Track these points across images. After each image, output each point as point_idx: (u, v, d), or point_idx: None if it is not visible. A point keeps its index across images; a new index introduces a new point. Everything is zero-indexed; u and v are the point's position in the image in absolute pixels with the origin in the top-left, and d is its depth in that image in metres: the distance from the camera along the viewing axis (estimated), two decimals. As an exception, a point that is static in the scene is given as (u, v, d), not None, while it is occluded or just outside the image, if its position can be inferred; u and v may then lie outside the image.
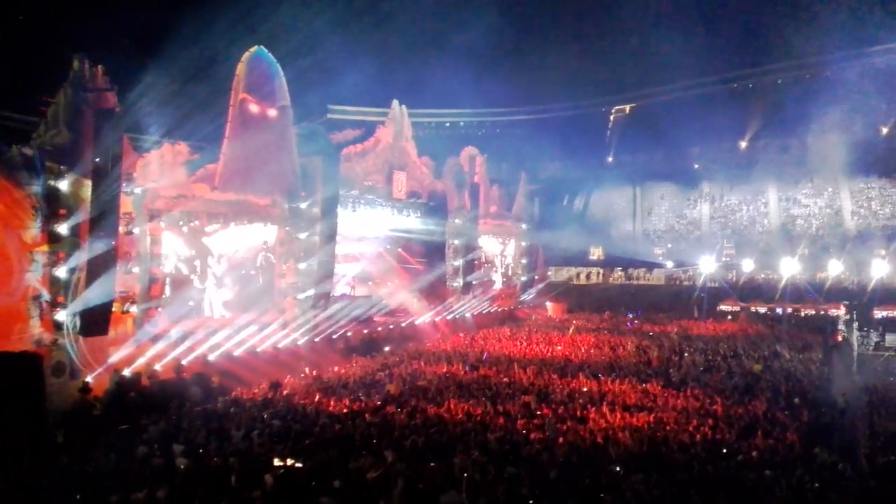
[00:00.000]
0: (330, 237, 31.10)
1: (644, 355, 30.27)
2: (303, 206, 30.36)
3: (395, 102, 39.44)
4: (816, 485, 13.33)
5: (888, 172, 65.26)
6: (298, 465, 13.53)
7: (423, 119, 66.46)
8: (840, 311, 43.45)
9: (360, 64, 59.94)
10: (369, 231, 38.64)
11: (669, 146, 73.29)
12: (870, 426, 18.54)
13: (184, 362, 24.31)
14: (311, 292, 30.70)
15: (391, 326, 37.34)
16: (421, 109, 60.63)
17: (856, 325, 31.21)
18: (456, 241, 44.20)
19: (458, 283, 44.36)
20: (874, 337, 30.40)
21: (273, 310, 29.43)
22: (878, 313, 44.26)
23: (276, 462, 13.49)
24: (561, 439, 16.31)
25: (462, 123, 78.85)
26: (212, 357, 25.55)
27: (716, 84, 71.77)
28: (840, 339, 36.23)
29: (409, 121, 40.44)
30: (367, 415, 18.64)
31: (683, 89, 71.85)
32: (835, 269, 53.36)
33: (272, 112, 28.85)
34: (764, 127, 71.19)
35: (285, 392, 22.76)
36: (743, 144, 72.56)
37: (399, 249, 42.36)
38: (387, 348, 33.58)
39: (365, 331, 35.51)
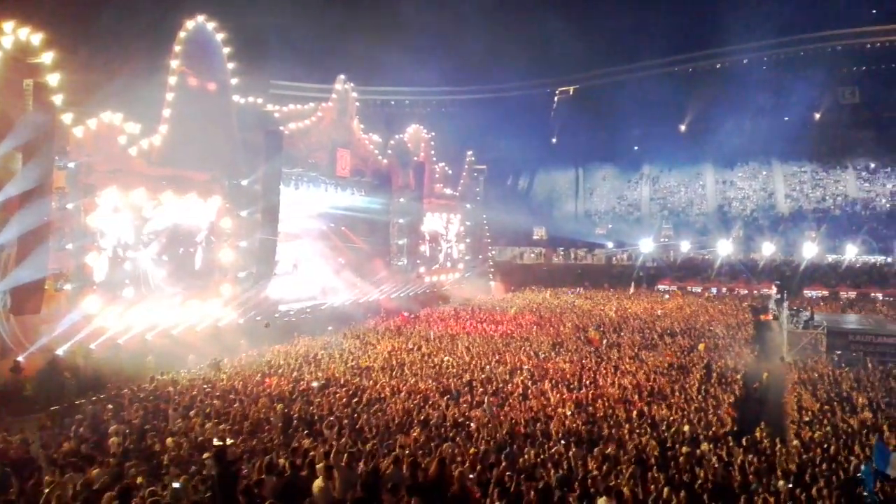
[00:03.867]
0: (272, 215, 30.66)
1: (584, 334, 30.79)
2: (244, 182, 29.83)
3: (340, 78, 38.94)
4: (750, 457, 13.82)
5: (819, 157, 67.62)
6: (238, 445, 13.36)
7: (369, 96, 65.85)
8: (772, 291, 44.97)
9: (304, 39, 58.94)
10: (312, 209, 38.22)
11: (611, 129, 74.42)
12: (798, 402, 19.27)
13: (120, 341, 23.74)
14: (252, 270, 30.28)
15: (334, 305, 37.11)
16: (366, 87, 60.09)
17: (786, 303, 32.33)
18: (400, 220, 44.08)
19: (403, 261, 44.32)
20: (804, 315, 31.52)
21: (213, 288, 28.91)
22: (808, 293, 46.01)
23: (216, 442, 13.29)
24: (502, 416, 16.55)
25: (408, 101, 78.47)
26: (150, 336, 25.00)
27: (657, 68, 72.95)
28: (771, 317, 37.57)
29: (353, 97, 40.02)
30: (309, 394, 18.55)
31: (625, 73, 72.95)
32: (768, 249, 55.13)
33: (212, 86, 28.21)
34: (702, 111, 72.82)
35: (225, 371, 22.45)
36: (682, 128, 74.10)
37: (343, 228, 42.03)
38: (330, 327, 33.39)
39: (308, 309, 35.23)
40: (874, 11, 68.17)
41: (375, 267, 41.94)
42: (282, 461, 11.60)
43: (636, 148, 75.29)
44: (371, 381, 20.39)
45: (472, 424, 15.68)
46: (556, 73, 76.92)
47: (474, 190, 57.04)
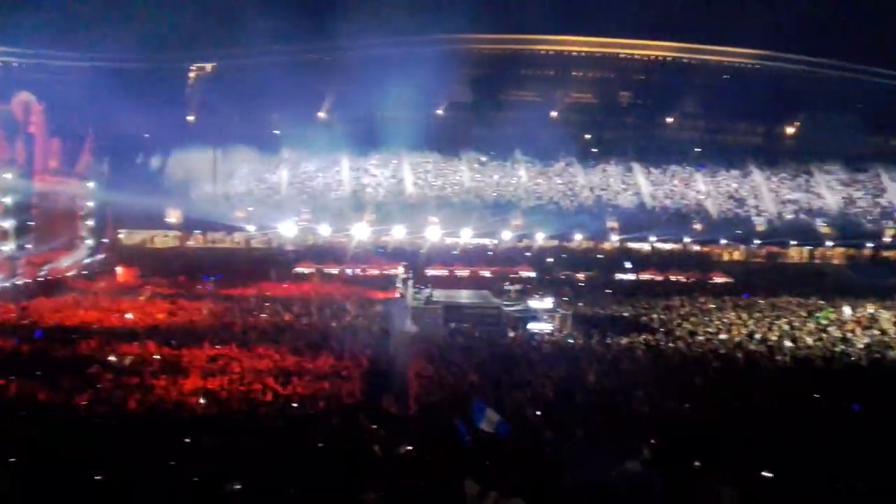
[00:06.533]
0: None
1: (221, 318, 30.18)
2: None
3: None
4: (374, 426, 14.82)
5: (441, 149, 74.97)
6: None
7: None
8: (399, 271, 48.65)
9: None
10: None
11: (251, 111, 73.48)
12: (418, 371, 21.14)
13: None
14: None
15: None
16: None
17: (411, 282, 35.31)
18: (6, 199, 38.55)
19: (10, 246, 38.88)
20: (426, 292, 34.70)
21: None
22: (430, 272, 50.76)
23: None
24: (132, 408, 15.59)
25: (16, 65, 68.56)
26: None
27: (296, 54, 73.66)
28: (398, 295, 40.63)
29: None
30: None
31: (265, 55, 72.44)
32: (397, 233, 59.50)
33: None
34: (340, 99, 75.66)
35: None
36: (321, 114, 76.15)
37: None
38: None
39: None
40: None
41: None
42: None
43: (276, 132, 75.46)
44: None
45: (94, 420, 14.49)
46: (193, 49, 73.42)
47: (99, 168, 52.15)
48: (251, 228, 63.35)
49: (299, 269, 52.89)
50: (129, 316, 30.76)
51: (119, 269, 51.37)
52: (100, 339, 24.42)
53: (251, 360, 21.29)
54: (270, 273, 50.69)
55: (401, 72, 70.16)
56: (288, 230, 57.56)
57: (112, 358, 21.25)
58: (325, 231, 60.72)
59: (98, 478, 10.75)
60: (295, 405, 16.54)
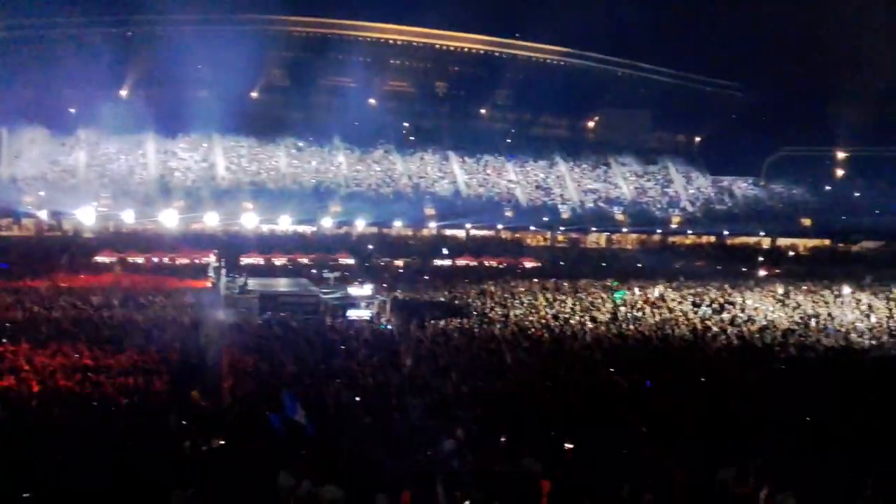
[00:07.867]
0: None
1: (8, 313, 27.53)
2: None
3: None
4: (184, 422, 14.25)
5: (256, 133, 72.96)
6: None
7: None
8: (211, 259, 46.70)
9: None
10: None
11: (41, 87, 67.47)
12: (230, 362, 20.47)
13: None
14: None
15: None
16: None
17: (224, 271, 34.08)
18: None
19: None
20: (240, 281, 33.70)
21: None
22: (245, 260, 49.19)
23: None
24: None
25: None
26: None
27: (95, 24, 68.39)
28: (210, 284, 39.04)
29: None
30: None
31: (59, 25, 66.64)
32: (210, 220, 57.06)
33: None
34: (144, 78, 71.34)
35: None
36: (123, 93, 71.41)
37: None
38: None
39: None
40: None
41: None
42: None
43: (72, 110, 69.70)
44: None
45: None
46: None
47: None
48: (43, 214, 58.17)
49: (99, 259, 49.08)
50: None
51: None
52: None
53: (44, 358, 19.61)
54: (66, 263, 46.68)
55: (212, 50, 67.32)
56: (86, 216, 53.21)
57: None
58: (128, 217, 56.79)
59: None
60: (95, 404, 15.49)
